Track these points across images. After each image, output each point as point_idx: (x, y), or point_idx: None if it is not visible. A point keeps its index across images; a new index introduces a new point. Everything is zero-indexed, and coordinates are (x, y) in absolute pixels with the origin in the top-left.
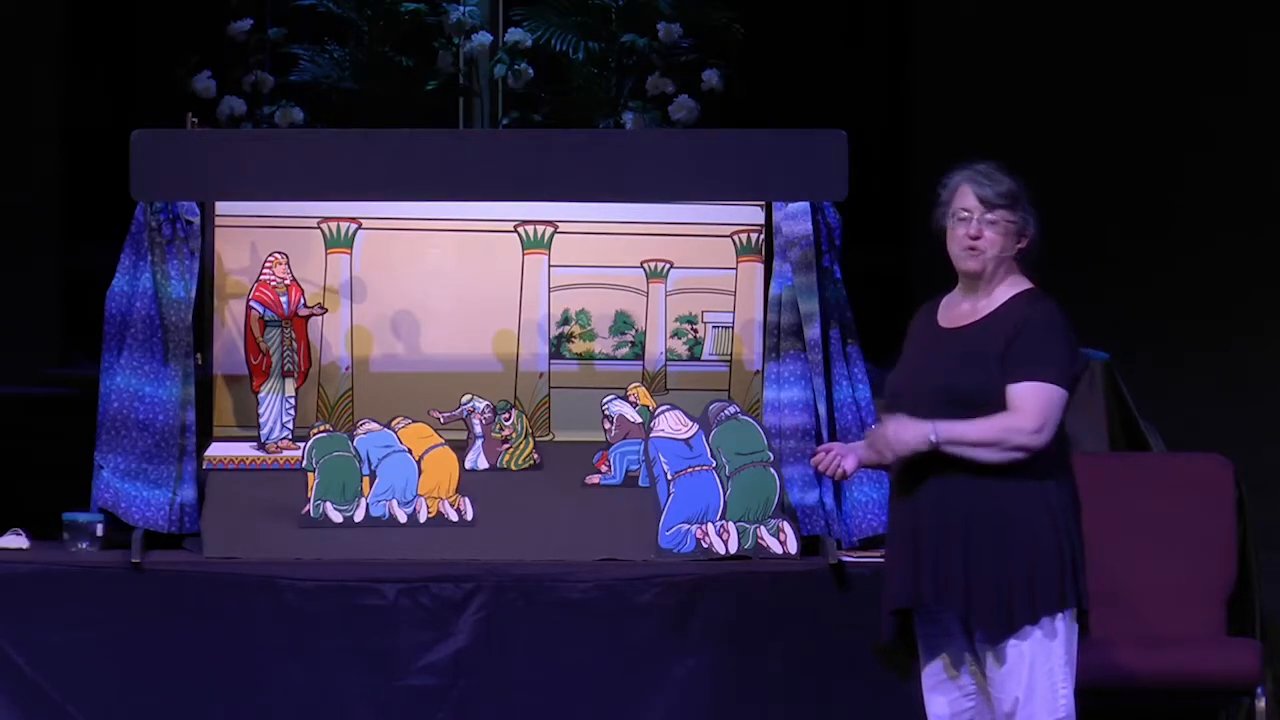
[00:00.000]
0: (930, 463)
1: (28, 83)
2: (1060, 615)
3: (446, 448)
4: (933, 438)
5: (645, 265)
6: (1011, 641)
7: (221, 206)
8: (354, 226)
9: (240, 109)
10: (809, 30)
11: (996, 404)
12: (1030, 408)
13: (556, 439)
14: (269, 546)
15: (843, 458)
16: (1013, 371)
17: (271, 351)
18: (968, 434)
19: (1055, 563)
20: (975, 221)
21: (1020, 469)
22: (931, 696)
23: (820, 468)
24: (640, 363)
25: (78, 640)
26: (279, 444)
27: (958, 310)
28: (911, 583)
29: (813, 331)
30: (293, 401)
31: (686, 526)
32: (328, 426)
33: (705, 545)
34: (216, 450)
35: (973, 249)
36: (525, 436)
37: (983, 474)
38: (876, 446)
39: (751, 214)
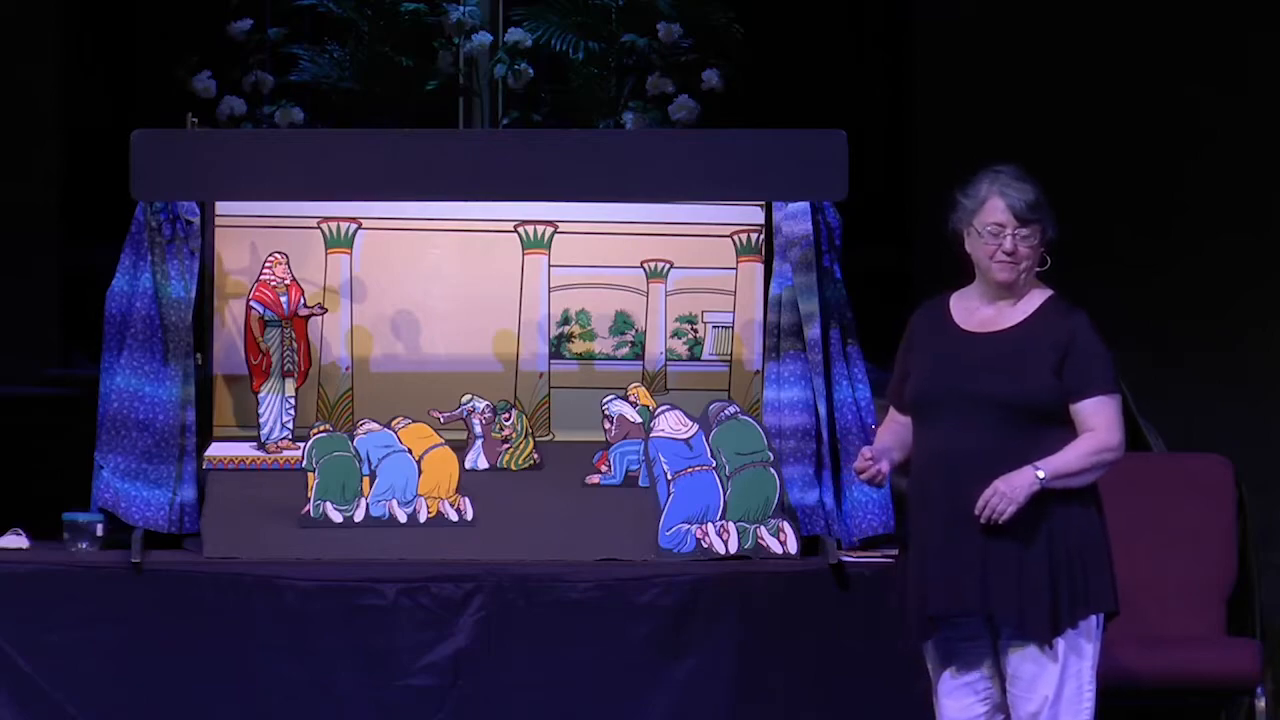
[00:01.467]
0: (969, 469)
1: (28, 82)
2: (1097, 617)
3: (446, 448)
4: (1041, 474)
5: (645, 265)
6: (1052, 641)
7: (221, 206)
8: (354, 226)
9: (240, 109)
10: (809, 30)
11: (1050, 410)
12: (1107, 423)
13: (556, 439)
14: (269, 546)
15: (880, 463)
16: (1077, 390)
17: (271, 351)
18: (1069, 466)
19: (1099, 564)
20: (1010, 237)
21: None
22: (946, 702)
23: (866, 478)
24: (640, 363)
25: (78, 640)
26: (279, 444)
27: (981, 315)
28: (954, 589)
29: (813, 331)
30: (293, 401)
31: (686, 526)
32: (328, 426)
33: (705, 545)
34: (216, 450)
35: (1008, 264)
36: (525, 436)
37: None
38: (992, 504)
39: (751, 214)
